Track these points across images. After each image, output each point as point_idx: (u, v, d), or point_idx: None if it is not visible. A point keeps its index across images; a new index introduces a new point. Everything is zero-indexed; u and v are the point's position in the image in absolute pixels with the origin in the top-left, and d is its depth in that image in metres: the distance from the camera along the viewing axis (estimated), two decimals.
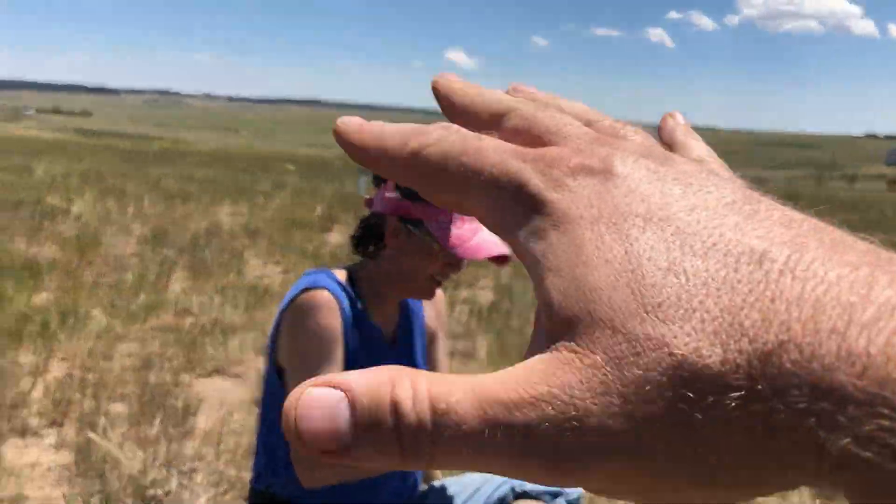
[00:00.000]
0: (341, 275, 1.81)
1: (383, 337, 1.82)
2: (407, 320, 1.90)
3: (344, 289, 1.75)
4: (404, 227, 1.72)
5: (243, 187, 11.49)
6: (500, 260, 1.80)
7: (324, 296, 1.68)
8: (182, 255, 6.26)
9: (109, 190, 9.88)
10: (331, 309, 1.67)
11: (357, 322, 1.75)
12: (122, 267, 5.72)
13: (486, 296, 5.73)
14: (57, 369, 3.61)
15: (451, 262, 1.74)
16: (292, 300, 1.69)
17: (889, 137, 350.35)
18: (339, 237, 7.85)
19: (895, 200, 23.07)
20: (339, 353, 1.67)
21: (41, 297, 4.72)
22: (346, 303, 1.72)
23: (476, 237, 1.73)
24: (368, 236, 1.79)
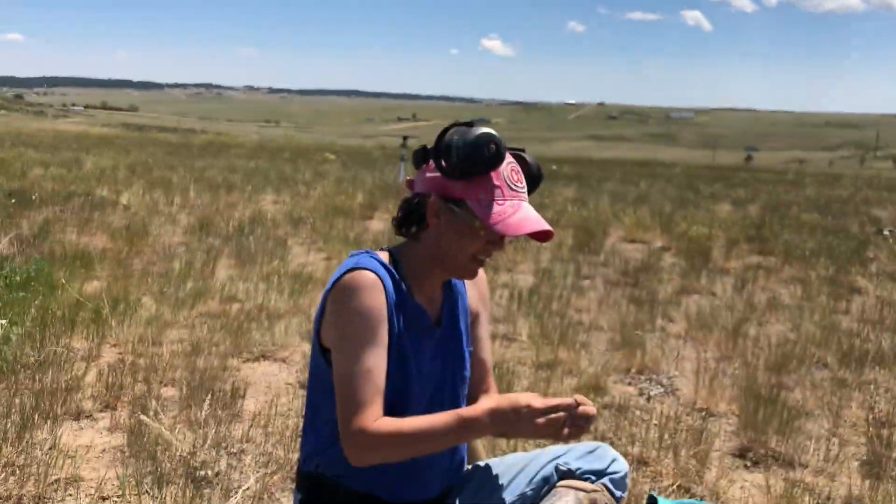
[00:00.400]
0: (384, 256, 1.81)
1: (428, 318, 1.83)
2: (451, 301, 1.91)
3: (387, 270, 1.76)
4: (446, 205, 1.72)
5: (285, 177, 11.59)
6: (542, 236, 1.79)
7: (368, 276, 1.69)
8: (227, 244, 6.36)
9: (156, 181, 10.06)
10: (375, 289, 1.68)
11: (401, 303, 1.76)
12: (170, 256, 5.83)
13: (526, 280, 5.72)
14: (109, 355, 3.70)
15: (492, 241, 1.74)
16: (336, 281, 1.71)
17: None
18: (379, 224, 7.90)
19: None
20: (383, 334, 1.68)
21: (93, 286, 4.83)
22: (389, 283, 1.73)
23: (517, 214, 1.72)
24: (411, 217, 1.79)
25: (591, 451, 2.03)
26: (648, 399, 3.55)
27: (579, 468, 1.98)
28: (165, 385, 3.38)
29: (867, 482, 2.76)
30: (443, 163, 1.69)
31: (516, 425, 1.60)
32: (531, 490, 1.99)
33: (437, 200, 1.73)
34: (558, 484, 1.96)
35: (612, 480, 1.99)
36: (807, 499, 2.60)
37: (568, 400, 1.62)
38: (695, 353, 4.20)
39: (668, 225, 8.12)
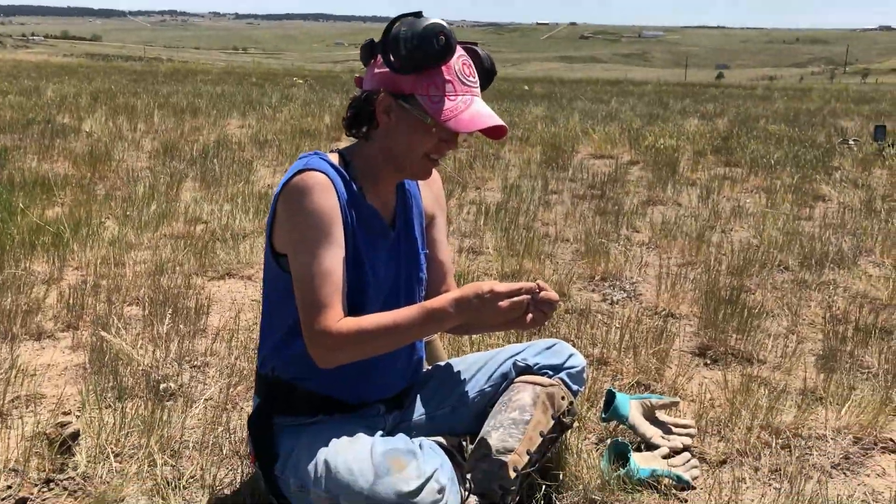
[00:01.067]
0: (335, 158, 1.78)
1: (382, 220, 1.81)
2: (404, 203, 1.89)
3: (338, 171, 1.73)
4: (396, 102, 1.68)
5: (252, 101, 11.37)
6: (496, 133, 1.76)
7: (318, 177, 1.66)
8: (192, 168, 6.26)
9: (120, 108, 9.82)
10: (326, 189, 1.65)
11: (353, 203, 1.73)
12: (134, 180, 5.73)
13: (494, 196, 5.71)
14: (71, 277, 3.66)
15: (445, 138, 1.71)
16: (286, 183, 1.68)
17: None
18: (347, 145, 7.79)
19: None
20: (339, 233, 1.66)
21: (54, 212, 4.75)
22: (340, 184, 1.70)
23: (470, 109, 1.68)
24: (360, 116, 1.74)
25: (548, 348, 2.07)
26: (611, 304, 3.59)
27: (537, 363, 2.02)
28: (129, 305, 3.36)
29: (822, 375, 2.83)
30: (391, 57, 1.64)
31: (481, 311, 1.61)
32: (490, 386, 2.03)
33: (387, 97, 1.68)
34: (516, 379, 2.00)
35: (569, 375, 2.03)
36: (763, 390, 2.67)
37: (530, 284, 1.64)
38: (658, 259, 4.25)
39: (636, 140, 8.10)
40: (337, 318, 1.62)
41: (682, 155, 7.39)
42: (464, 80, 1.69)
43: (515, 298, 1.61)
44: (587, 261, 4.12)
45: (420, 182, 1.93)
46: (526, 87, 17.58)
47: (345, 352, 1.65)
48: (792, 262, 4.25)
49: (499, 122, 1.71)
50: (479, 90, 1.73)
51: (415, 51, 1.61)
